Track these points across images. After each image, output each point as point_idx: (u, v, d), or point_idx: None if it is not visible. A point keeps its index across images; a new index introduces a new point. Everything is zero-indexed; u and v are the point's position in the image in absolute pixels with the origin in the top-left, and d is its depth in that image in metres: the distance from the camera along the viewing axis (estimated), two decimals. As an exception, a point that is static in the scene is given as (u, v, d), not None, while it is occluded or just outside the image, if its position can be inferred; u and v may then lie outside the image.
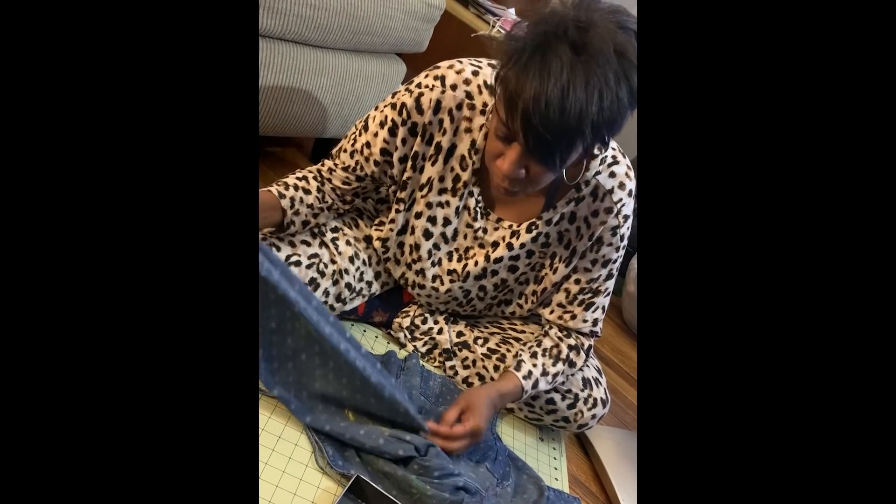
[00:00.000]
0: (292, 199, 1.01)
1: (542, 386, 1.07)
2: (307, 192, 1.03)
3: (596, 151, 0.90)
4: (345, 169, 1.05)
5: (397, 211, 1.07)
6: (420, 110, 0.97)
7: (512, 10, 2.19)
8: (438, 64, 0.99)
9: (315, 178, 1.06)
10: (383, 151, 1.02)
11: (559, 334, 1.11)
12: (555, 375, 1.08)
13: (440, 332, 1.18)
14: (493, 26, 1.99)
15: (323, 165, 1.08)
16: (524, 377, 1.04)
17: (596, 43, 0.73)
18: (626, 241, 1.05)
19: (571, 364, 1.10)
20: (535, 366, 1.06)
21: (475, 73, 0.97)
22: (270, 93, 1.34)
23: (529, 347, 1.10)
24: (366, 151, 1.02)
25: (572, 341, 1.11)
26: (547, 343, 1.10)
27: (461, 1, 2.11)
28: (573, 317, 1.10)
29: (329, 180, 1.06)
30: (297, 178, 1.05)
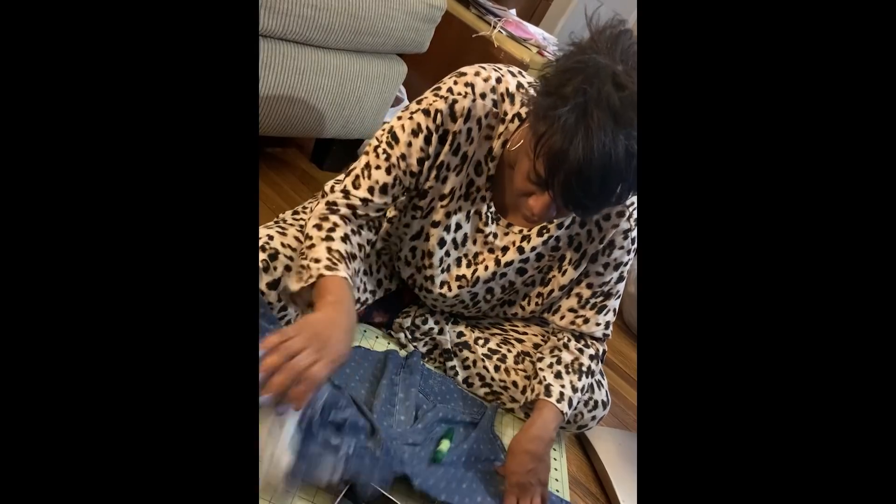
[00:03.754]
0: (351, 278, 0.88)
1: (575, 402, 1.05)
2: (353, 257, 0.94)
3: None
4: (382, 190, 0.96)
5: (413, 217, 1.05)
6: (454, 118, 0.94)
7: (513, 11, 2.20)
8: (463, 70, 0.96)
9: (353, 231, 0.96)
10: (420, 161, 0.96)
11: (578, 345, 1.10)
12: (583, 389, 1.07)
13: (440, 332, 1.18)
14: (494, 27, 1.99)
15: (349, 201, 0.96)
16: (558, 401, 1.02)
17: (632, 111, 0.73)
18: (635, 244, 1.05)
19: (592, 374, 1.09)
20: (563, 386, 1.04)
21: (499, 81, 0.95)
22: (271, 93, 1.34)
23: (550, 367, 1.07)
24: (402, 164, 0.96)
25: (591, 351, 1.10)
26: (567, 357, 1.08)
27: (462, 1, 2.11)
28: (586, 321, 1.09)
29: (365, 215, 0.97)
30: (342, 240, 0.92)
